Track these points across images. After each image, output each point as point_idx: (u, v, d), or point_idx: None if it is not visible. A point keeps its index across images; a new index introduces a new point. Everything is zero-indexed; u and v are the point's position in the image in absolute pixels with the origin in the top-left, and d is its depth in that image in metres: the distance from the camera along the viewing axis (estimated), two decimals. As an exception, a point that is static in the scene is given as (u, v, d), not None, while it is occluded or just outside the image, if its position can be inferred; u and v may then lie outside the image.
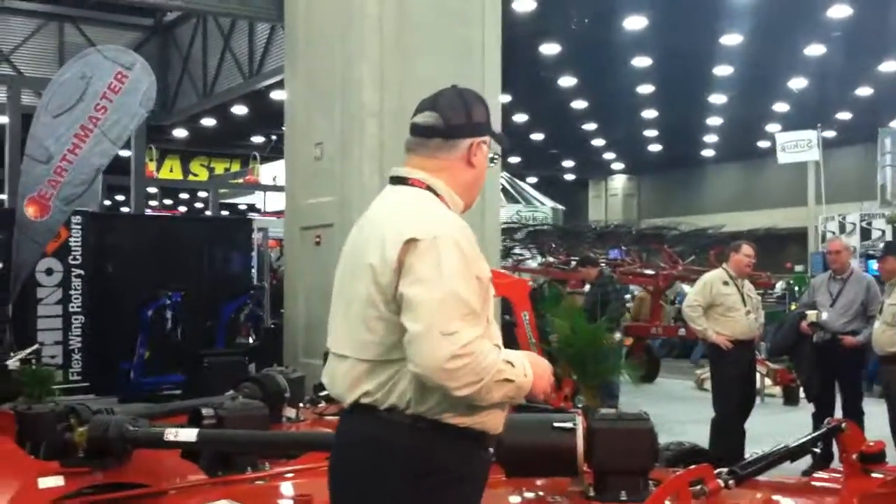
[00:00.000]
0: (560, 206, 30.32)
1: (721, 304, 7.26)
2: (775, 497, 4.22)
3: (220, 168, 29.91)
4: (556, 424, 3.70)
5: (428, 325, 2.13)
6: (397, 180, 2.43)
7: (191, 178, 29.42)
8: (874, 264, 12.73)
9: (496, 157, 2.54)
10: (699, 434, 6.84)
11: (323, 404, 5.99)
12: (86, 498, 3.79)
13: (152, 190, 25.00)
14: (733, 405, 7.22)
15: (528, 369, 2.30)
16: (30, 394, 7.60)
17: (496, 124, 2.66)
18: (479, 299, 2.23)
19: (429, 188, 2.37)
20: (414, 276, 2.18)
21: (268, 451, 4.53)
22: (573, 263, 14.92)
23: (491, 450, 2.42)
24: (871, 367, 8.30)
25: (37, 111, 9.80)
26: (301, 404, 5.90)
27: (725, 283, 7.31)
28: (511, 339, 7.97)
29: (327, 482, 2.37)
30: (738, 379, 7.28)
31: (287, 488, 4.27)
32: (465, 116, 2.41)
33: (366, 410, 2.28)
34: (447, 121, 2.40)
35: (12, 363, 7.75)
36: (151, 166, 22.20)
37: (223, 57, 17.28)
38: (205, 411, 4.44)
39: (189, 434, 3.96)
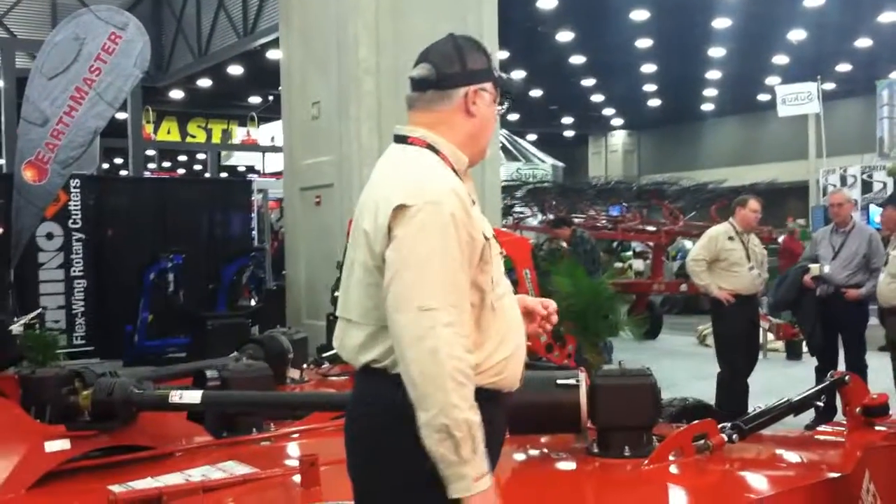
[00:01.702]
0: (560, 164, 30.22)
1: (725, 259, 7.23)
2: (779, 451, 4.23)
3: (217, 129, 29.74)
4: (559, 381, 3.71)
5: (406, 297, 2.08)
6: (399, 139, 2.37)
7: (188, 139, 29.25)
8: (876, 216, 12.69)
9: (503, 105, 2.44)
10: (702, 390, 6.87)
11: (327, 365, 6.02)
12: (92, 461, 3.81)
13: (150, 152, 24.89)
14: (738, 360, 7.23)
15: (488, 479, 2.07)
16: (34, 358, 7.63)
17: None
18: (470, 265, 2.16)
19: (429, 146, 2.30)
20: (399, 243, 2.12)
21: (272, 413, 4.54)
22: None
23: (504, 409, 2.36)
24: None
25: (31, 73, 9.72)
26: (305, 365, 5.93)
27: (731, 238, 7.27)
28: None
29: (344, 441, 2.35)
30: (741, 334, 7.28)
31: (292, 449, 4.29)
32: (459, 64, 2.33)
33: (376, 372, 2.25)
34: (439, 70, 2.32)
35: (16, 328, 7.76)
36: (149, 128, 22.11)
37: (217, 16, 17.11)
38: (209, 373, 4.44)
39: (194, 396, 3.97)
